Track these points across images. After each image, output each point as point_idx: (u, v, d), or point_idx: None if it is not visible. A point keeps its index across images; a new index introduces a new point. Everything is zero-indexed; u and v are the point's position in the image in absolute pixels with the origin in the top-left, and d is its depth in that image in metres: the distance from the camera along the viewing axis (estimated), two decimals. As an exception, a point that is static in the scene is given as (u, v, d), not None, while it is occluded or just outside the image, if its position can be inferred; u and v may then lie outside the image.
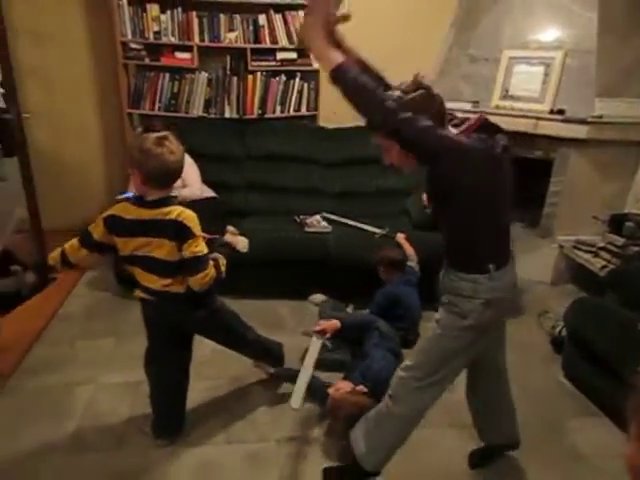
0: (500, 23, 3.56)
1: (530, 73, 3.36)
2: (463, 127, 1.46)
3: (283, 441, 2.03)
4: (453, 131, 1.46)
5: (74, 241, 1.78)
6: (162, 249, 1.70)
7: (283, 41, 3.70)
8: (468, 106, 3.51)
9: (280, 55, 3.75)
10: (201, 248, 1.71)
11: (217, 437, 2.04)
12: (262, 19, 3.62)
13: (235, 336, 2.08)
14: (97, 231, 1.75)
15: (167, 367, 1.95)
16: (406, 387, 1.65)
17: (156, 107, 3.70)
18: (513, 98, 3.44)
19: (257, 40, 3.68)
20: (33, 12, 3.57)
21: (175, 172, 1.69)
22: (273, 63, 3.76)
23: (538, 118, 3.25)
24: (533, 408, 2.18)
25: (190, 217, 1.70)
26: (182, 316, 1.87)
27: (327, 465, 1.90)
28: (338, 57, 1.38)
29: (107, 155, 4.05)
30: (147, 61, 3.58)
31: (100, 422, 2.10)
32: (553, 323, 2.81)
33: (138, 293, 1.86)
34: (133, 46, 3.51)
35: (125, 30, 3.46)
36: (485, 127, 1.47)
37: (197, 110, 3.75)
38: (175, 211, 1.68)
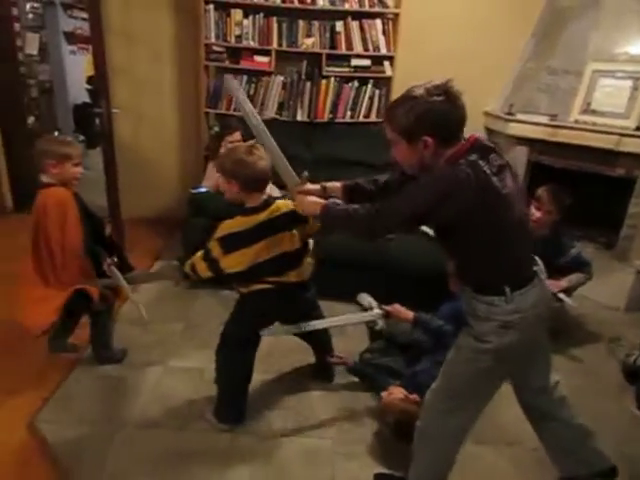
0: (587, 34, 3.44)
1: (616, 87, 3.22)
2: (454, 149, 1.38)
3: (338, 440, 2.05)
4: (447, 152, 1.39)
5: (202, 264, 1.88)
6: (291, 241, 1.88)
7: (358, 47, 3.75)
8: (544, 119, 3.42)
9: (354, 62, 3.81)
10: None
11: (274, 429, 2.09)
12: (339, 26, 3.69)
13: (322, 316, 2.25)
14: (217, 253, 1.84)
15: (247, 356, 2.05)
16: (431, 410, 1.61)
17: (232, 107, 3.84)
18: (595, 113, 3.30)
19: (333, 46, 3.75)
20: (126, 15, 3.82)
21: (267, 175, 1.86)
22: (347, 69, 3.82)
23: (622, 134, 3.12)
24: (607, 440, 1.98)
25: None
26: (300, 298, 2.03)
27: (378, 471, 1.90)
28: (318, 205, 1.58)
29: (182, 151, 4.24)
30: (227, 63, 3.74)
31: (166, 402, 2.20)
32: (627, 351, 2.66)
33: (252, 286, 1.94)
34: (215, 49, 3.68)
35: (209, 33, 3.63)
36: (479, 148, 1.39)
37: (270, 112, 3.86)
38: (283, 204, 1.89)
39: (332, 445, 2.03)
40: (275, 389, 2.33)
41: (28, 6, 5.75)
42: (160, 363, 2.46)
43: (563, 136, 3.35)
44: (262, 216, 1.85)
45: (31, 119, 5.18)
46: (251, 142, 1.88)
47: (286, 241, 1.88)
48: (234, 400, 2.09)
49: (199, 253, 1.90)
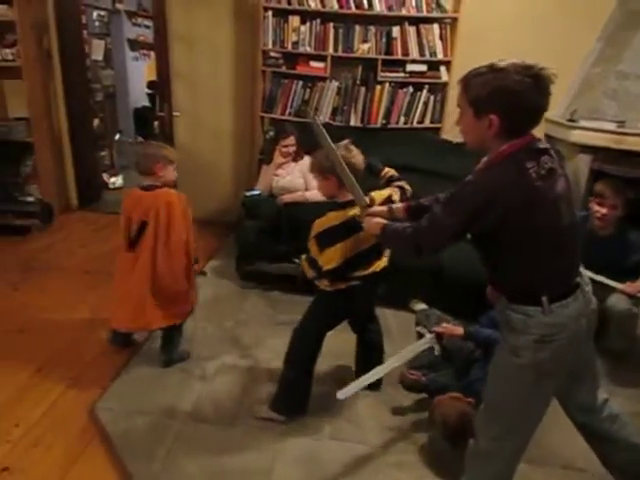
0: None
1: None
2: (513, 142, 1.30)
3: (386, 447, 2.04)
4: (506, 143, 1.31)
5: (305, 264, 2.02)
6: None
7: (414, 53, 3.73)
8: (612, 126, 3.28)
9: (410, 67, 3.79)
10: None
11: (322, 432, 2.10)
12: (396, 31, 3.68)
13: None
14: (315, 252, 1.96)
15: (316, 350, 2.11)
16: (483, 434, 1.52)
17: (287, 112, 3.91)
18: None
19: (388, 51, 3.74)
20: (188, 22, 3.96)
21: (361, 171, 1.95)
22: (402, 75, 3.81)
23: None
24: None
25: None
26: (374, 293, 2.12)
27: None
28: (379, 225, 1.62)
29: (237, 154, 4.35)
30: (283, 69, 3.81)
31: (216, 399, 2.25)
32: None
33: (338, 284, 2.01)
34: (272, 55, 3.76)
35: (267, 40, 3.71)
36: (531, 148, 1.31)
37: (324, 117, 3.90)
38: (379, 195, 1.98)
39: (380, 453, 2.01)
40: (323, 393, 2.33)
41: (95, 14, 6.06)
42: (211, 360, 2.52)
43: (631, 144, 3.20)
44: (352, 211, 1.90)
45: (96, 122, 5.46)
46: (346, 141, 1.96)
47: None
48: (297, 392, 2.14)
49: (304, 255, 2.02)
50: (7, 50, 3.95)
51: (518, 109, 1.26)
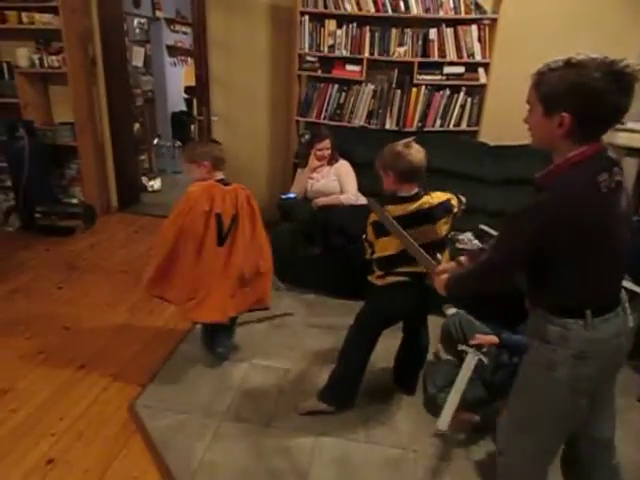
0: None
1: None
2: (583, 148, 1.20)
3: (422, 453, 2.02)
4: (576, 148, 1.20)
5: (364, 244, 2.16)
6: (436, 232, 1.99)
7: (452, 55, 3.69)
8: (659, 128, 3.17)
9: (447, 69, 3.75)
10: None
11: (358, 435, 2.10)
12: (433, 33, 3.65)
13: None
14: (371, 236, 2.06)
15: (371, 344, 2.14)
16: (513, 451, 1.45)
17: (322, 116, 3.93)
18: None
19: (425, 54, 3.72)
20: (226, 28, 4.04)
21: (421, 169, 1.96)
22: (439, 77, 3.77)
23: None
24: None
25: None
26: (428, 293, 2.09)
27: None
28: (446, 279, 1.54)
29: (272, 157, 4.40)
30: (319, 73, 3.83)
31: (252, 399, 2.28)
32: None
33: (388, 279, 2.06)
34: (309, 59, 3.78)
35: (303, 44, 3.74)
36: (604, 157, 1.21)
37: (359, 120, 3.90)
38: (437, 196, 2.01)
39: (415, 458, 2.00)
40: (360, 397, 2.33)
41: (136, 22, 6.26)
42: (247, 360, 2.56)
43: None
44: (412, 207, 1.96)
45: (136, 126, 5.62)
46: (409, 139, 1.99)
47: (430, 232, 1.98)
48: (348, 385, 2.19)
49: (364, 235, 2.11)
50: (53, 57, 4.12)
51: (594, 109, 1.14)
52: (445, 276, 1.55)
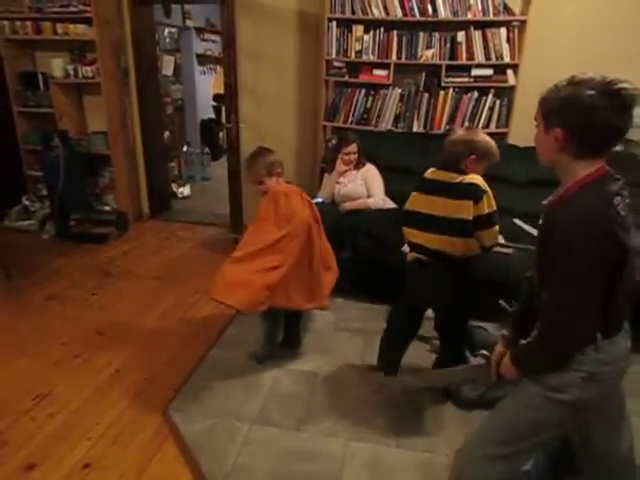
0: None
1: None
2: (591, 167, 1.19)
3: (453, 455, 1.99)
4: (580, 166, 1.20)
5: None
6: (457, 208, 2.06)
7: (480, 57, 3.65)
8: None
9: (475, 71, 3.71)
10: None
11: (388, 438, 2.09)
12: (461, 36, 3.62)
13: None
14: None
15: (402, 325, 2.36)
16: (472, 454, 1.41)
17: (349, 121, 3.93)
18: None
19: (453, 57, 3.69)
20: (255, 35, 4.09)
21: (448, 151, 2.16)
22: (467, 79, 3.74)
23: None
24: None
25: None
26: (445, 283, 2.23)
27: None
28: (509, 363, 1.38)
29: (300, 162, 4.41)
30: (346, 78, 3.84)
31: (283, 403, 2.30)
32: None
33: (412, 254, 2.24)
34: (336, 64, 3.80)
35: (330, 49, 3.76)
36: (613, 178, 1.20)
37: (386, 124, 3.89)
38: (470, 177, 2.08)
39: (447, 461, 1.97)
40: (388, 399, 2.33)
41: (166, 31, 6.39)
42: (279, 365, 2.58)
43: None
44: (442, 176, 2.17)
45: (166, 134, 5.74)
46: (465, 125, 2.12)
47: (447, 206, 2.08)
48: (389, 351, 2.42)
49: None
50: (87, 68, 4.25)
51: (586, 125, 1.15)
52: (506, 360, 1.39)
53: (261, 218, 2.40)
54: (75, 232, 4.29)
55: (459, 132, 2.15)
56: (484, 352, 1.59)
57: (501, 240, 3.10)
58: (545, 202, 1.30)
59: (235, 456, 1.98)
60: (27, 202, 4.59)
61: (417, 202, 2.19)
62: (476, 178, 2.06)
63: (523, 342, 1.45)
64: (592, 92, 1.12)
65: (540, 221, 1.34)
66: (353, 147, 3.34)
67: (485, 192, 2.03)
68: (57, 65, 4.26)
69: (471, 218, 2.01)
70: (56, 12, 4.10)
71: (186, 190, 5.87)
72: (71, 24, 4.11)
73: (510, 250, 2.98)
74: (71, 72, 4.27)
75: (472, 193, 2.02)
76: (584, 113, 1.14)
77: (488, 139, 2.10)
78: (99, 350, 2.68)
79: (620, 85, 1.12)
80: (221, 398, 2.32)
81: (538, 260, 1.33)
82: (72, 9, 4.06)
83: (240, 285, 2.22)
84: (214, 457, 1.98)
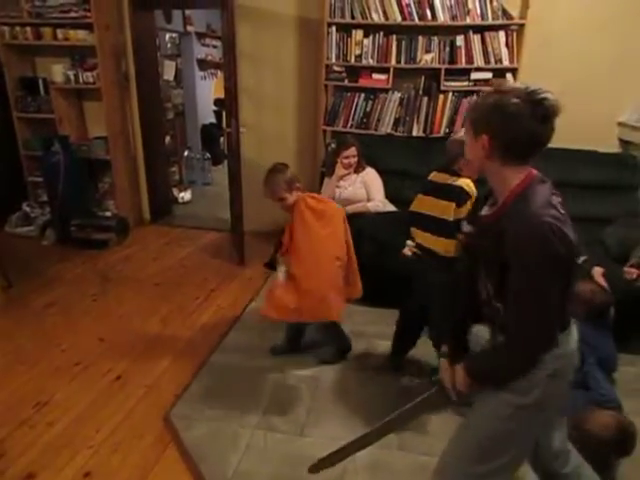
0: None
1: None
2: (522, 172, 1.22)
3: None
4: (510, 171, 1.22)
5: None
6: (442, 209, 2.17)
7: (479, 61, 3.66)
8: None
9: (474, 75, 3.72)
10: None
11: (389, 441, 2.07)
12: (460, 40, 3.63)
13: None
14: None
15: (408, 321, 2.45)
16: (457, 475, 1.37)
17: (349, 125, 3.94)
18: None
19: (452, 60, 3.69)
20: (255, 40, 4.11)
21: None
22: (466, 83, 3.74)
23: None
24: None
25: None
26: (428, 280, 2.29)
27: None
28: (461, 374, 1.34)
29: (300, 167, 4.39)
30: (346, 82, 3.84)
31: (285, 407, 2.29)
32: None
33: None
34: (336, 68, 3.80)
35: (330, 54, 3.76)
36: (542, 182, 1.22)
37: (386, 128, 3.89)
38: (461, 182, 2.15)
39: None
40: (388, 401, 2.31)
41: (167, 36, 6.41)
42: (279, 369, 2.58)
43: None
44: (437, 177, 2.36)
45: (167, 139, 5.75)
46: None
47: (435, 206, 2.25)
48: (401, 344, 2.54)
49: None
50: (88, 73, 4.26)
51: (510, 132, 1.17)
52: (458, 370, 1.36)
53: (304, 231, 2.36)
54: (75, 238, 4.27)
55: (460, 132, 2.17)
56: (434, 378, 1.56)
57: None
58: (483, 214, 1.31)
59: (237, 462, 1.97)
60: (27, 208, 4.58)
61: (418, 203, 2.25)
62: (465, 182, 2.08)
63: (475, 353, 1.44)
64: (516, 100, 1.14)
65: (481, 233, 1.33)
66: (352, 151, 3.34)
67: (470, 197, 2.05)
68: (57, 70, 4.27)
69: (451, 219, 2.05)
70: (56, 17, 4.10)
71: (187, 195, 5.87)
72: (71, 30, 4.11)
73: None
74: (72, 77, 4.28)
75: (456, 196, 2.07)
76: (508, 120, 1.16)
77: None
78: (100, 357, 2.67)
79: (543, 95, 1.14)
80: (223, 403, 2.32)
81: (489, 272, 1.30)
82: (72, 15, 4.06)
83: (333, 296, 2.25)
84: (216, 463, 1.97)
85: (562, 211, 1.17)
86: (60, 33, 4.13)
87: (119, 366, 2.58)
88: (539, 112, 1.14)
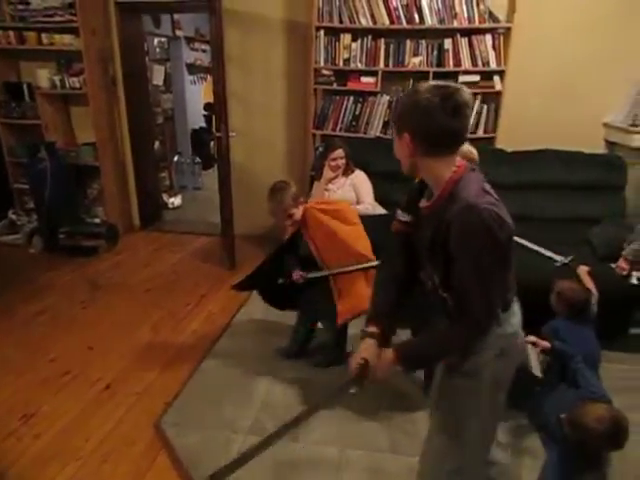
0: None
1: None
2: (449, 163, 1.25)
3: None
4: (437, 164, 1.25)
5: None
6: None
7: (466, 64, 3.68)
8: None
9: (462, 78, 3.73)
10: None
11: (382, 445, 2.09)
12: (447, 43, 3.65)
13: None
14: None
15: None
16: (439, 473, 1.46)
17: (338, 128, 3.94)
18: None
19: (440, 63, 3.71)
20: (243, 44, 4.11)
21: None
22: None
23: None
24: None
25: None
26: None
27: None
28: (389, 357, 1.33)
29: (290, 170, 4.41)
30: (335, 86, 3.85)
31: (276, 412, 2.28)
32: None
33: None
34: (324, 72, 3.81)
35: (319, 58, 3.77)
36: (472, 170, 1.27)
37: (375, 131, 3.90)
38: None
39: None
40: (380, 407, 2.32)
41: (156, 41, 6.38)
42: (271, 374, 2.56)
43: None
44: None
45: (156, 144, 5.71)
46: None
47: None
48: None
49: None
50: (74, 78, 4.21)
51: (426, 127, 1.21)
52: (385, 357, 1.34)
53: (328, 232, 2.42)
54: (64, 245, 4.23)
55: None
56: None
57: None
58: (422, 205, 1.34)
59: (229, 470, 1.95)
60: (13, 216, 4.53)
61: None
62: None
63: (411, 339, 1.54)
64: (427, 96, 1.19)
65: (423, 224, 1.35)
66: (339, 152, 3.33)
67: None
68: (43, 75, 4.22)
69: None
70: (41, 21, 4.05)
71: (177, 200, 5.84)
72: (57, 34, 4.07)
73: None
74: (57, 83, 4.23)
75: None
76: (422, 116, 1.20)
77: None
78: (89, 365, 2.64)
79: (453, 88, 1.19)
80: (214, 409, 2.30)
81: (433, 263, 1.33)
82: (57, 19, 4.01)
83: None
84: (208, 470, 1.89)
85: (496, 196, 1.22)
86: (45, 37, 4.09)
87: (109, 374, 2.56)
88: (449, 106, 1.17)
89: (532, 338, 2.22)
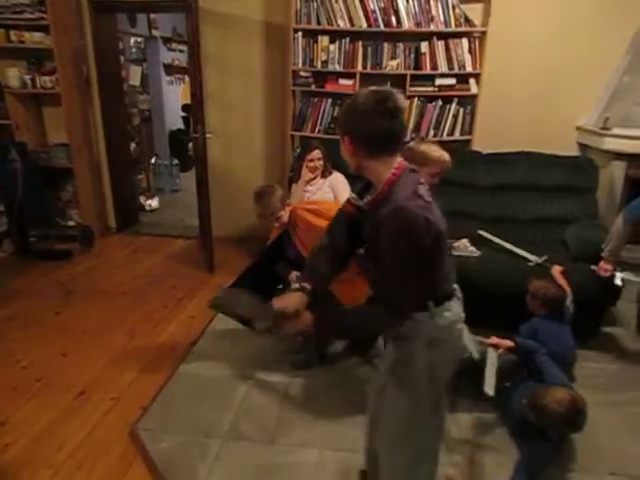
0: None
1: None
2: (390, 163, 1.30)
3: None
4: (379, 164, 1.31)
5: None
6: None
7: (443, 67, 3.72)
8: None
9: (439, 81, 3.78)
10: None
11: (361, 446, 2.05)
12: (424, 46, 3.68)
13: None
14: None
15: None
16: (393, 465, 1.51)
17: (316, 130, 3.94)
18: None
19: (417, 66, 3.75)
20: (221, 45, 4.08)
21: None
22: (431, 89, 3.80)
23: None
24: None
25: None
26: None
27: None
28: (308, 318, 1.41)
29: (268, 172, 4.40)
30: (313, 87, 3.85)
31: (254, 416, 2.26)
32: None
33: None
34: (302, 74, 3.81)
35: (297, 60, 3.76)
36: (409, 173, 1.32)
37: (354, 133, 3.91)
38: None
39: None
40: (364, 408, 2.31)
41: (132, 41, 6.29)
42: (249, 377, 2.54)
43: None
44: None
45: (133, 145, 5.63)
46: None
47: None
48: None
49: None
50: (46, 78, 4.11)
51: (364, 129, 1.28)
52: (312, 318, 1.40)
53: (316, 231, 2.39)
54: (36, 249, 4.13)
55: (416, 141, 2.22)
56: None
57: (467, 244, 3.16)
58: (365, 201, 1.40)
59: (207, 474, 1.93)
60: (-17, 219, 4.41)
61: None
62: None
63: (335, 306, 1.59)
64: (364, 99, 1.26)
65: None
66: (317, 153, 3.32)
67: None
68: (13, 74, 4.10)
69: None
70: (9, 18, 3.93)
71: (154, 202, 5.76)
72: (27, 32, 3.96)
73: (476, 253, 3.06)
74: (28, 82, 4.13)
75: None
76: (359, 119, 1.27)
77: (427, 150, 2.15)
78: (62, 372, 2.57)
79: (387, 92, 1.26)
80: (191, 414, 2.27)
81: (369, 253, 1.41)
82: (27, 16, 3.91)
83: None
84: (184, 476, 1.92)
85: (428, 199, 1.28)
86: (14, 35, 3.97)
87: (83, 380, 2.50)
88: (383, 109, 1.24)
89: (494, 339, 2.29)
